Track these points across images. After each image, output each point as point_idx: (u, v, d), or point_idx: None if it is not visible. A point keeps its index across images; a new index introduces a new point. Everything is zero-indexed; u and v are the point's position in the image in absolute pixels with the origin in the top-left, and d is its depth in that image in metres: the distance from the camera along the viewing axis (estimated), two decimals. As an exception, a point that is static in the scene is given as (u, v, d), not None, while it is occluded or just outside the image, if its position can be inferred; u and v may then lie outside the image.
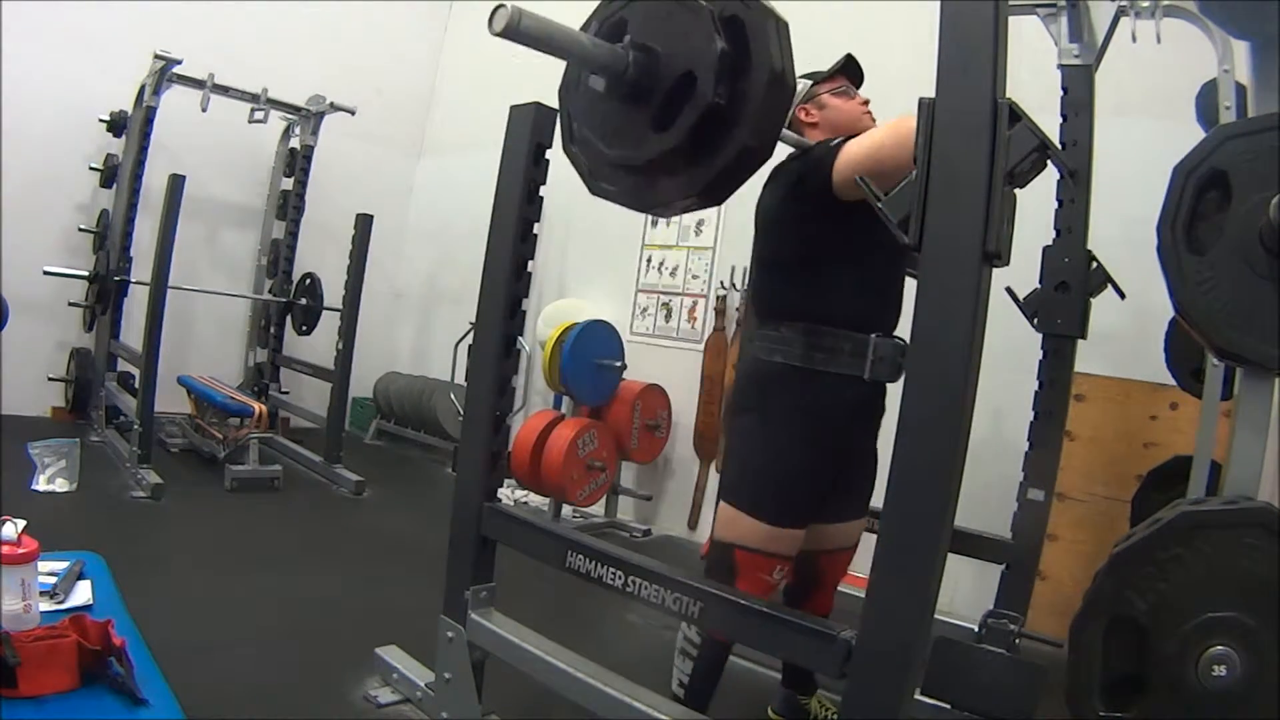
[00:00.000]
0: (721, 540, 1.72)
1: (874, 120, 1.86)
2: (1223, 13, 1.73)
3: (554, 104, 1.85)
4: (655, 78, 1.30)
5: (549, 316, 4.55)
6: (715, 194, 1.34)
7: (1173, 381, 2.52)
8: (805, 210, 1.68)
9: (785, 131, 1.59)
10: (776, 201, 1.75)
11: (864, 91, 1.96)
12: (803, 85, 1.86)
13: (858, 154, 1.54)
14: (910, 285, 1.34)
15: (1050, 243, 2.36)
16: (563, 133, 1.56)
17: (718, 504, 1.77)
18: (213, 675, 1.93)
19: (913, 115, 1.24)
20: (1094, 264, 2.31)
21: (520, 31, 1.16)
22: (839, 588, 2.00)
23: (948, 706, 1.45)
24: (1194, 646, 1.20)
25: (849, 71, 1.90)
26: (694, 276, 4.29)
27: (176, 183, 3.73)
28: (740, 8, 1.27)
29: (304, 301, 4.96)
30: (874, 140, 1.54)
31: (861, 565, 1.56)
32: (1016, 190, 1.14)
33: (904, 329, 1.44)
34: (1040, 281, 2.36)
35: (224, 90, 4.56)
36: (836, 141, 1.63)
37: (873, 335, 1.67)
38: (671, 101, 1.29)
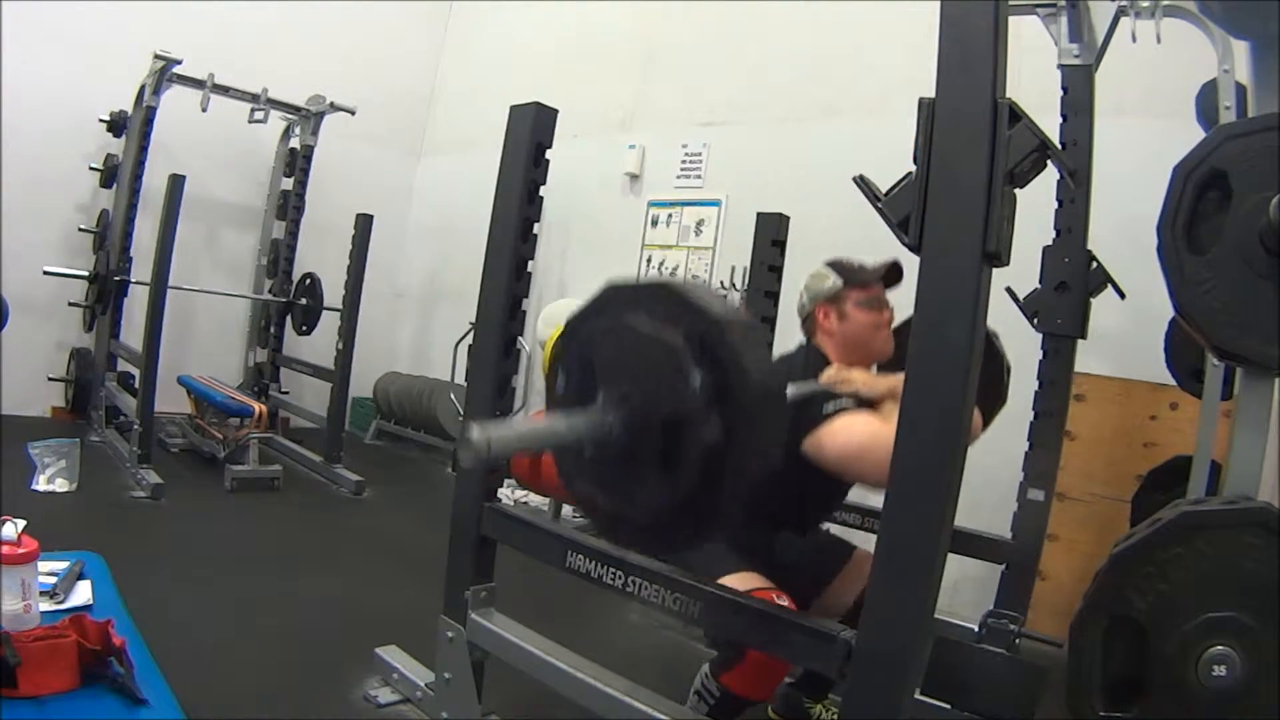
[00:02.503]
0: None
1: (889, 345, 1.81)
2: (1223, 13, 1.73)
3: (553, 104, 1.85)
4: (644, 425, 1.18)
5: (549, 316, 4.54)
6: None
7: (1173, 381, 2.52)
8: None
9: (793, 388, 1.55)
10: None
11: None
12: (832, 283, 1.81)
13: (836, 446, 1.54)
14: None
15: (1050, 243, 2.36)
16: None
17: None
18: (213, 675, 1.93)
19: (889, 429, 1.21)
20: (1094, 264, 2.32)
21: (495, 454, 1.08)
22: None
23: (948, 706, 1.46)
24: (1194, 646, 1.20)
25: (890, 276, 1.82)
26: (694, 276, 4.28)
27: (176, 183, 3.73)
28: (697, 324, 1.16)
29: (304, 301, 4.96)
30: (857, 442, 1.51)
31: (861, 565, 1.56)
32: (1016, 190, 1.14)
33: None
34: (1040, 281, 2.36)
35: (224, 90, 4.56)
36: (830, 409, 1.59)
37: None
38: (670, 438, 1.17)
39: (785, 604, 1.63)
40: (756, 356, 1.15)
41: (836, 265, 1.84)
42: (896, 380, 1.36)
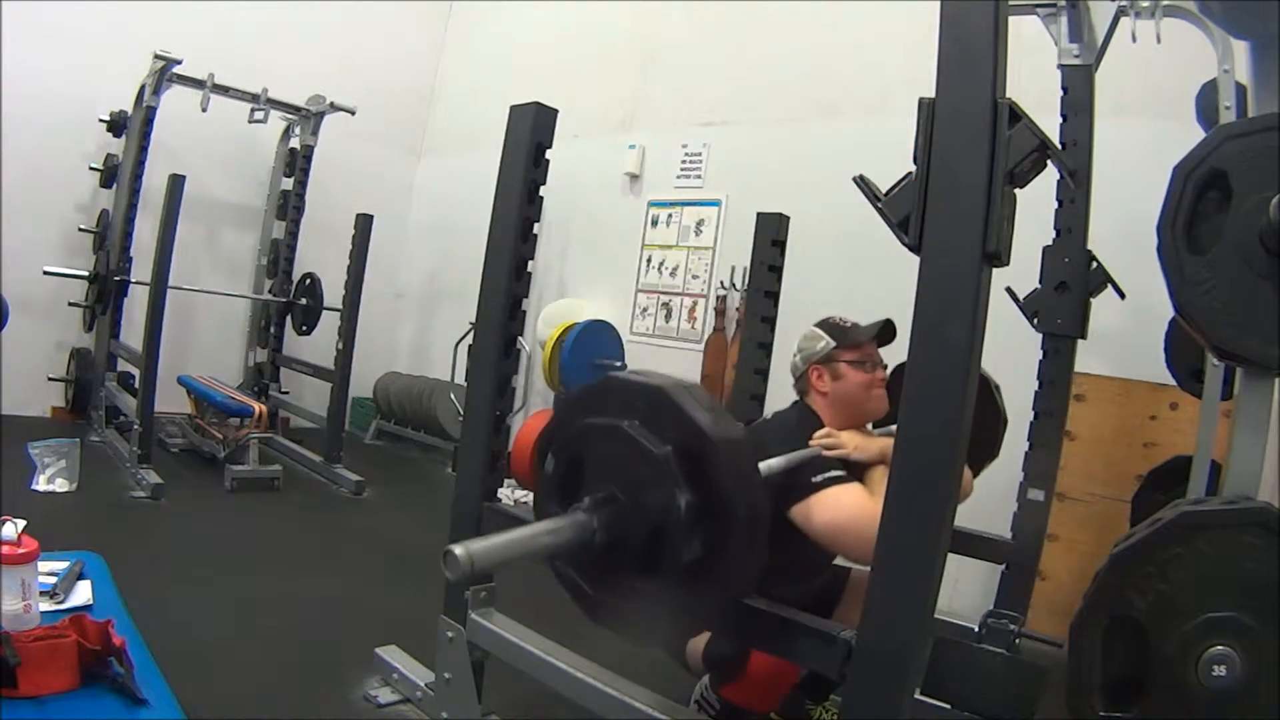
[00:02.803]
0: None
1: (883, 404, 1.80)
2: (1223, 13, 1.73)
3: (553, 104, 1.85)
4: (627, 525, 1.19)
5: (549, 316, 4.55)
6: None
7: (1173, 381, 2.52)
8: None
9: (772, 463, 1.54)
10: None
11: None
12: (824, 344, 1.81)
13: (822, 520, 1.56)
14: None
15: (1050, 243, 2.36)
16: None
17: None
18: (213, 675, 1.93)
19: (875, 506, 1.22)
20: (1094, 264, 2.32)
21: (479, 570, 1.06)
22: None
23: (948, 706, 1.45)
24: (1194, 646, 1.20)
25: (883, 335, 1.81)
26: (694, 276, 4.28)
27: (176, 183, 3.73)
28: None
29: (304, 301, 4.96)
30: (841, 519, 1.53)
31: (861, 565, 1.56)
32: (1016, 190, 1.14)
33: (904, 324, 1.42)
34: (1040, 281, 2.36)
35: (224, 90, 4.56)
36: (819, 480, 1.60)
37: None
38: (652, 550, 1.18)
39: None
40: (745, 482, 1.15)
41: (828, 326, 1.84)
42: (887, 444, 1.36)
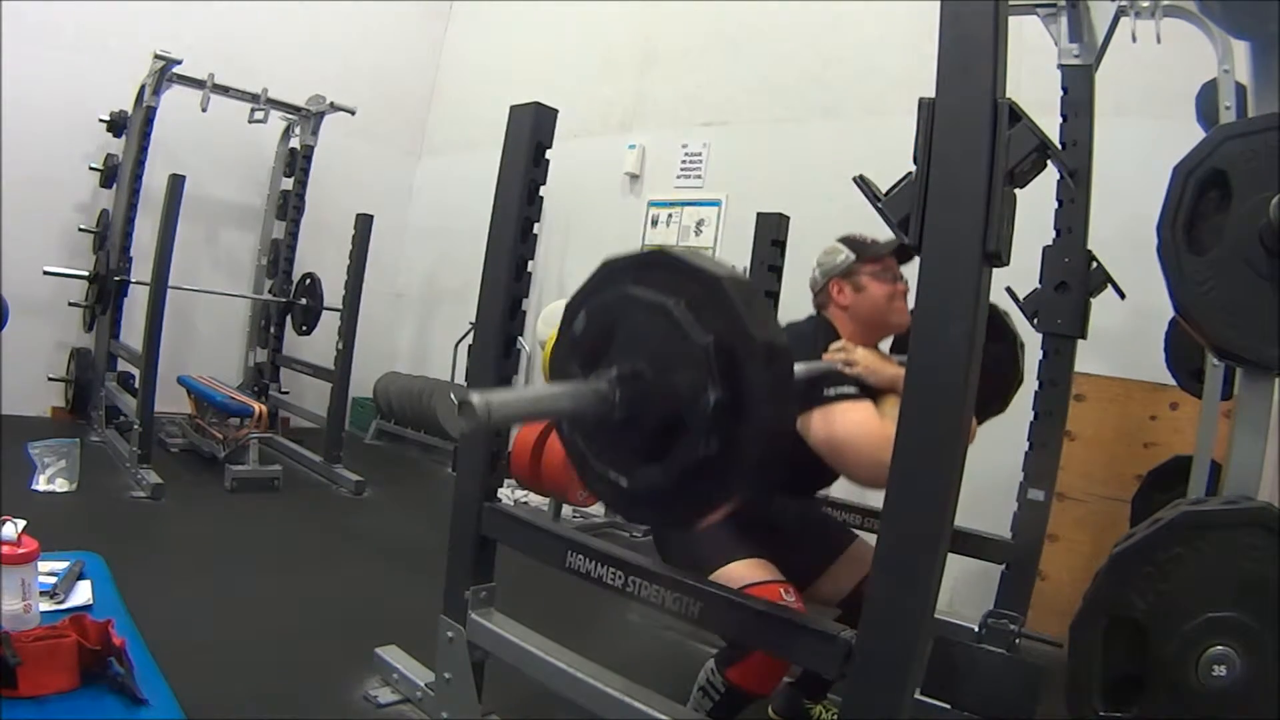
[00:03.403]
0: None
1: (905, 316, 1.78)
2: (1223, 13, 1.73)
3: (553, 104, 1.85)
4: (647, 416, 1.14)
5: (549, 316, 4.55)
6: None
7: (1173, 381, 2.52)
8: None
9: (800, 366, 1.51)
10: None
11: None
12: (845, 257, 1.81)
13: (828, 433, 1.57)
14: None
15: (1050, 243, 2.36)
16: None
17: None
18: (213, 675, 1.92)
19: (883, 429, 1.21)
20: (1094, 264, 2.32)
21: (495, 421, 1.01)
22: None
23: (948, 706, 1.46)
24: (1194, 646, 1.20)
25: (901, 252, 1.81)
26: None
27: (176, 183, 3.73)
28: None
29: (304, 301, 4.97)
30: (848, 434, 1.54)
31: (861, 565, 1.56)
32: (1016, 190, 1.14)
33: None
34: (1040, 281, 2.36)
35: (224, 90, 4.57)
36: (834, 393, 1.60)
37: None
38: (669, 438, 1.14)
39: (792, 599, 1.63)
40: (780, 394, 1.10)
41: (848, 240, 1.84)
42: (898, 374, 1.35)
